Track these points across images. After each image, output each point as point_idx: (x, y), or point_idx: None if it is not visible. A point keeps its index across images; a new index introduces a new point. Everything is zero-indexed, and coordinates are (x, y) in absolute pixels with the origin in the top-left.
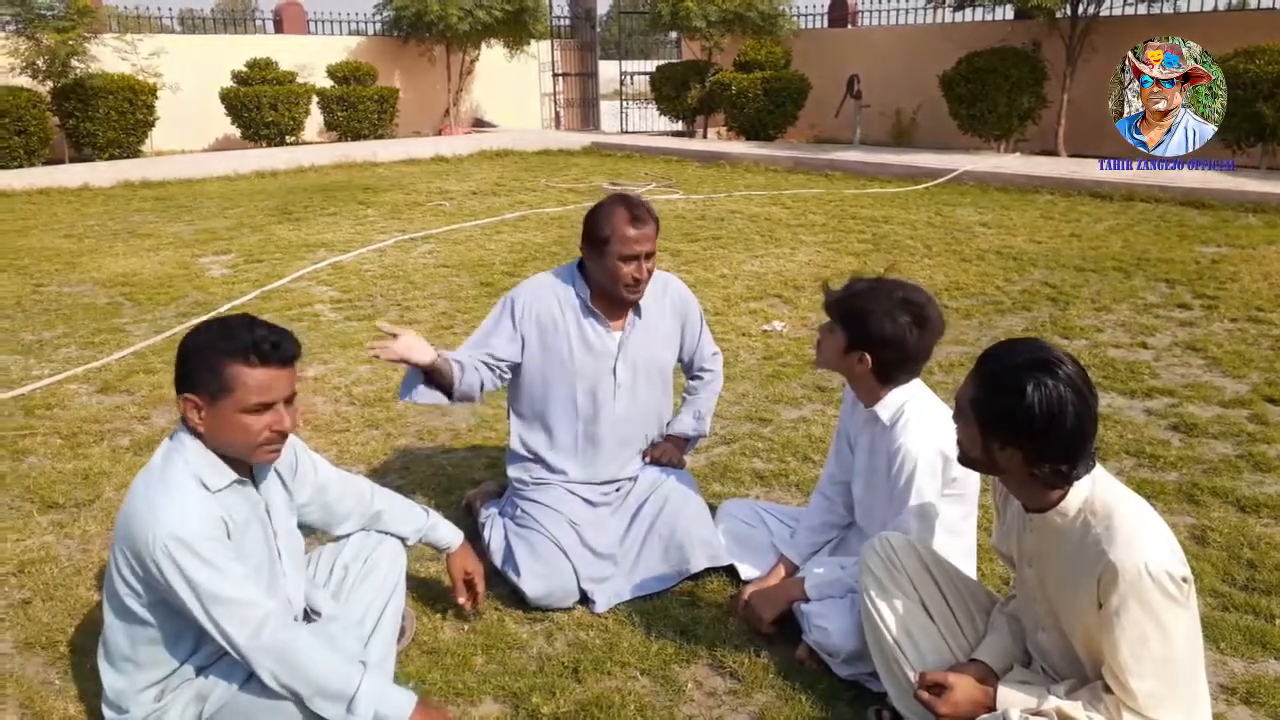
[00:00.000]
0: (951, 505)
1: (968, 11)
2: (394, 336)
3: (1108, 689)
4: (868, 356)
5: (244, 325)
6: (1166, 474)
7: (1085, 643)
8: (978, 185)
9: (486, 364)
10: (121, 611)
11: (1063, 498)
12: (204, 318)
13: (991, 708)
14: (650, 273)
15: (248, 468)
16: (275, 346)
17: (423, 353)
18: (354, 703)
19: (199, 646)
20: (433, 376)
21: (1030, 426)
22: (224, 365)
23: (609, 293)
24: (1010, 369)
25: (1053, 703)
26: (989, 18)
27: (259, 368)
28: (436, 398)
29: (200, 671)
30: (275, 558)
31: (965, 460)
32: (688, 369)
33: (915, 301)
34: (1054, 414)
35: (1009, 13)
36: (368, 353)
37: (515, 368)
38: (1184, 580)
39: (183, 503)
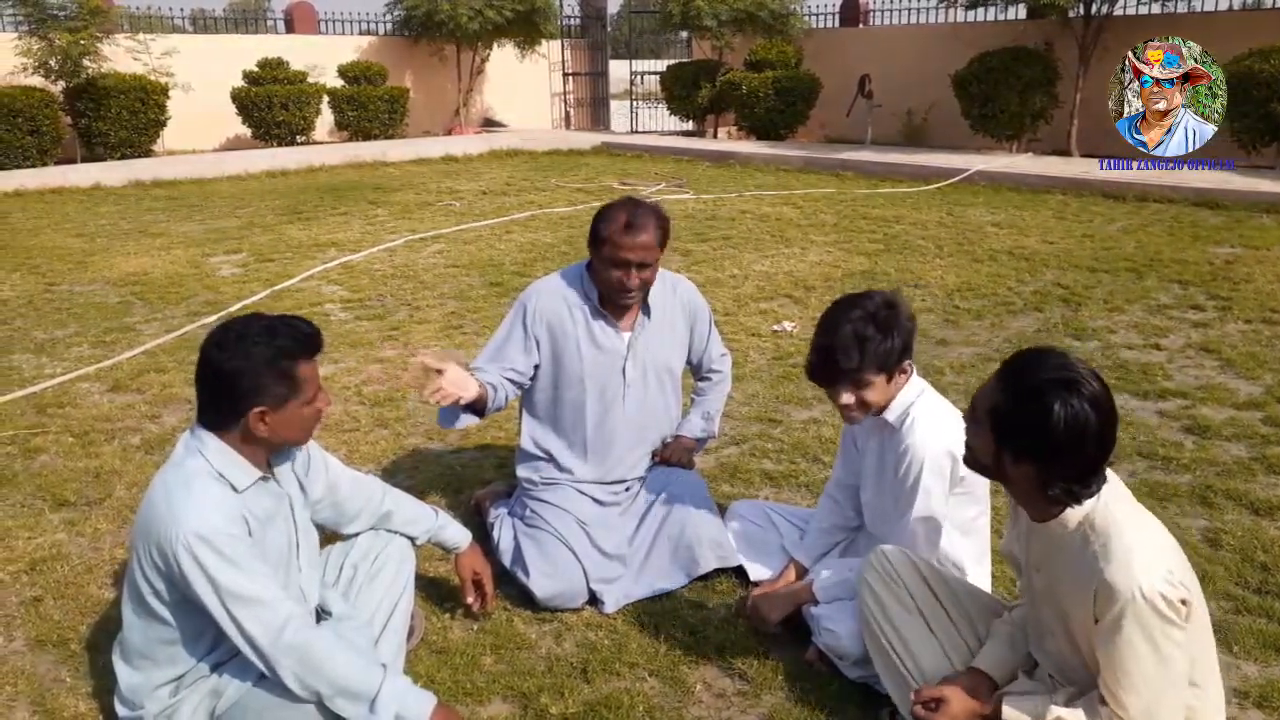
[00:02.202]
0: (962, 505)
1: (980, 11)
2: (439, 373)
3: (1104, 700)
4: (908, 364)
5: (280, 325)
6: (1179, 476)
7: (1088, 651)
8: (990, 185)
9: (510, 379)
10: (142, 609)
11: (1063, 510)
12: (212, 321)
13: (990, 718)
14: (644, 282)
15: (267, 464)
16: (316, 335)
17: (469, 388)
18: (376, 703)
19: (216, 645)
20: (472, 402)
21: (1050, 445)
22: (295, 370)
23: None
24: (1037, 384)
25: (1054, 713)
26: (1001, 17)
27: (312, 360)
28: (471, 420)
29: (215, 669)
30: (294, 552)
31: (972, 463)
32: (696, 370)
33: (882, 303)
34: (1076, 435)
35: (1021, 12)
36: (431, 399)
37: (535, 370)
38: (1182, 602)
39: (204, 500)
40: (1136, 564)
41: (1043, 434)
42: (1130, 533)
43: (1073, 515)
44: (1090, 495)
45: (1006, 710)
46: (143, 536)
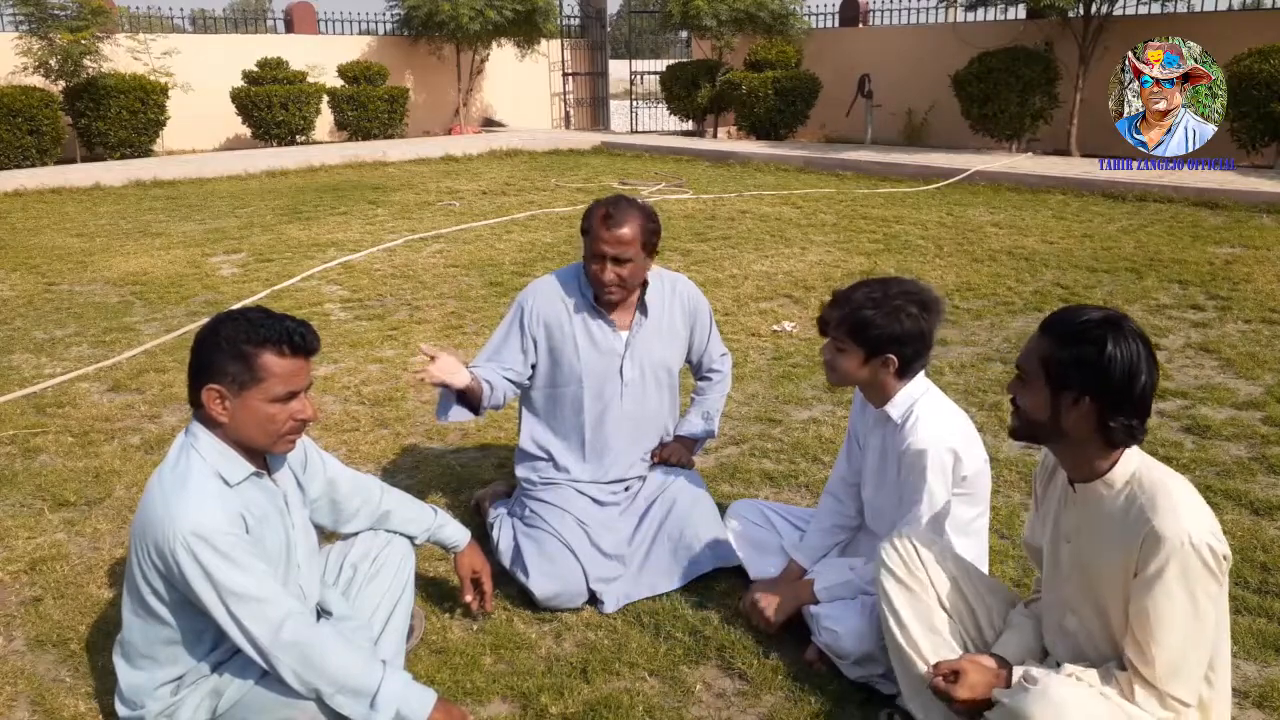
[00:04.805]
0: (963, 506)
1: (980, 11)
2: (432, 359)
3: (1120, 667)
4: (892, 358)
5: (269, 317)
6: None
7: (1118, 619)
8: (989, 185)
9: (509, 378)
10: (142, 609)
11: (1112, 466)
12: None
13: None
14: (621, 279)
15: (263, 461)
16: (304, 337)
17: (459, 376)
18: (376, 699)
19: (217, 644)
20: (464, 395)
21: (1110, 377)
22: (256, 356)
23: None
24: (1086, 324)
25: (1068, 669)
26: (1001, 17)
27: (288, 358)
28: (466, 415)
29: (216, 668)
30: (291, 550)
31: (1022, 429)
32: (696, 370)
33: (912, 290)
34: (1133, 365)
35: (1021, 12)
36: (415, 377)
37: (533, 370)
38: (1225, 557)
39: (201, 498)
40: (1185, 514)
41: (1100, 368)
42: (1178, 489)
43: (1119, 474)
44: (1142, 437)
45: (1016, 672)
46: (140, 536)
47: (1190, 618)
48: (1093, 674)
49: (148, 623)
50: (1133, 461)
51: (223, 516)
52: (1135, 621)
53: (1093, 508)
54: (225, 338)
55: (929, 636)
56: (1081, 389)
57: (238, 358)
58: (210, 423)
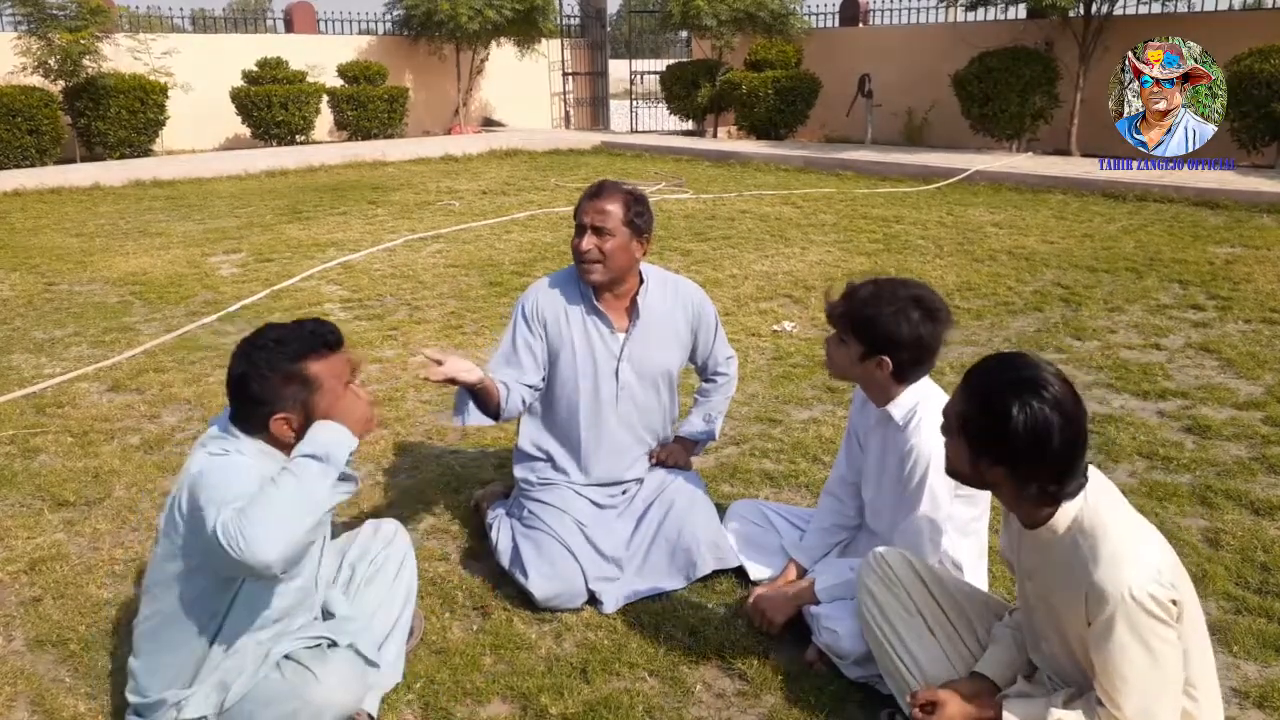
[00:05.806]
0: (963, 506)
1: (980, 11)
2: (439, 363)
3: (1101, 701)
4: (887, 360)
5: (290, 329)
6: (1179, 476)
7: (1084, 655)
8: (990, 185)
9: (525, 383)
10: (159, 597)
11: (1053, 515)
12: (212, 321)
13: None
14: (602, 251)
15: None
16: (332, 333)
17: (470, 372)
18: (325, 459)
19: (226, 638)
20: (479, 396)
21: (1015, 448)
22: (304, 370)
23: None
24: (996, 389)
25: (1054, 715)
26: (1001, 17)
27: (325, 357)
28: (485, 420)
29: (224, 661)
30: (321, 542)
31: (953, 474)
32: (701, 371)
33: (921, 297)
34: (1039, 437)
35: (1022, 12)
36: (418, 375)
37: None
38: (1172, 603)
39: (240, 469)
40: (1125, 565)
41: (1005, 438)
42: (1118, 534)
43: (1062, 520)
44: (1071, 495)
45: (1007, 716)
46: (174, 500)
47: (1150, 667)
48: (1078, 716)
49: (162, 614)
50: (1074, 506)
51: (255, 482)
52: (1099, 669)
53: (1044, 551)
54: (266, 365)
55: (911, 653)
56: (991, 456)
57: (288, 379)
58: (252, 435)
